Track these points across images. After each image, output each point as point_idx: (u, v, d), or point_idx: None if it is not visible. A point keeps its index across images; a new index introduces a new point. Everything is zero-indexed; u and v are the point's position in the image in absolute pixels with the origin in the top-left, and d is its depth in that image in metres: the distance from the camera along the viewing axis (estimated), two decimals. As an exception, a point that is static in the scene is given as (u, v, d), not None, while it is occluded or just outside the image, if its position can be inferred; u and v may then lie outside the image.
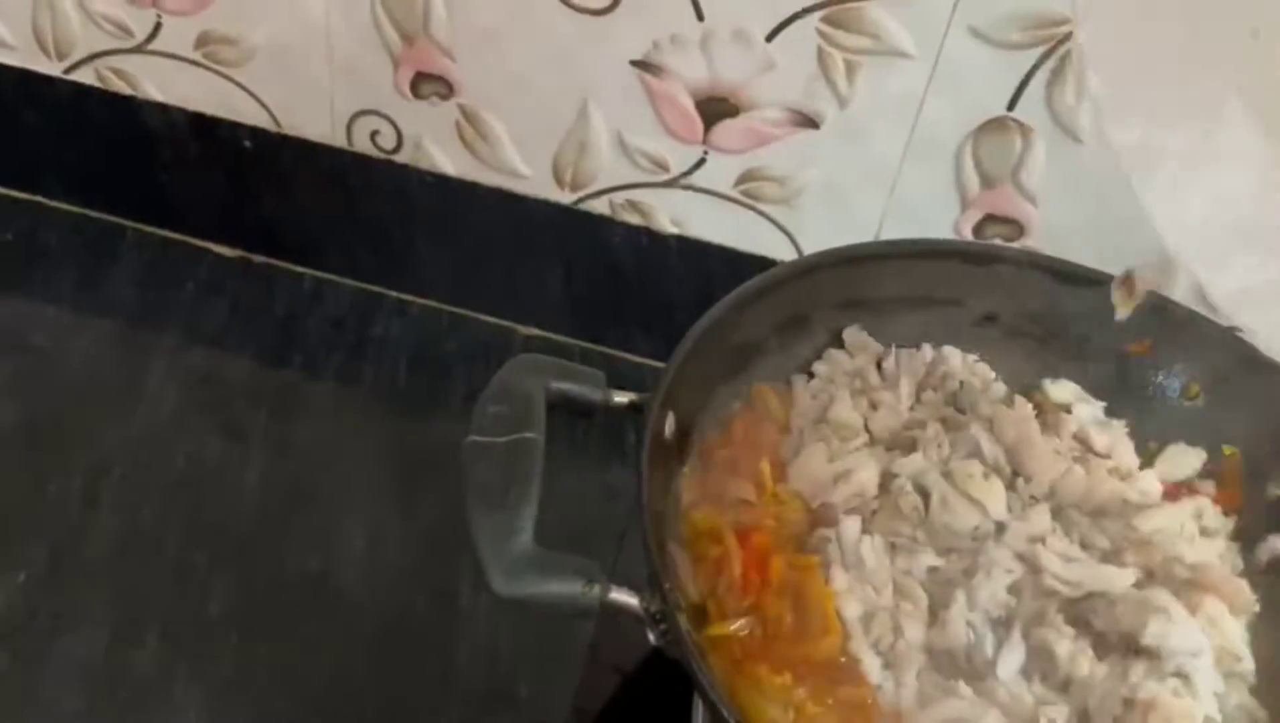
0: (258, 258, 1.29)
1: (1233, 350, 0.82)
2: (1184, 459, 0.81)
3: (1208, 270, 0.61)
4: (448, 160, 1.17)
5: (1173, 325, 0.84)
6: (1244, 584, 0.72)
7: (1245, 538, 0.79)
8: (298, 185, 1.23)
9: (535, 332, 1.27)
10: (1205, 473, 0.82)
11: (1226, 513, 0.80)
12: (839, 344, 0.87)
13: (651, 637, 0.62)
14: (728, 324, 0.78)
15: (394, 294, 1.28)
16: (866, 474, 0.76)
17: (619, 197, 1.14)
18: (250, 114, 1.19)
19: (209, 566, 0.95)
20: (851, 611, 0.70)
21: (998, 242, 0.98)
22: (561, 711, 0.85)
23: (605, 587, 0.60)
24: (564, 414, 0.70)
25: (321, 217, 1.25)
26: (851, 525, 0.74)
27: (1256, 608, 0.72)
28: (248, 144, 1.21)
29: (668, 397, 0.72)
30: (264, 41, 1.12)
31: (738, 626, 0.69)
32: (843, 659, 0.69)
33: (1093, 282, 0.85)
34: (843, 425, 0.79)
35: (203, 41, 1.13)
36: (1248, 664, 0.69)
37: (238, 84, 1.15)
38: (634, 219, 1.15)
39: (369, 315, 1.26)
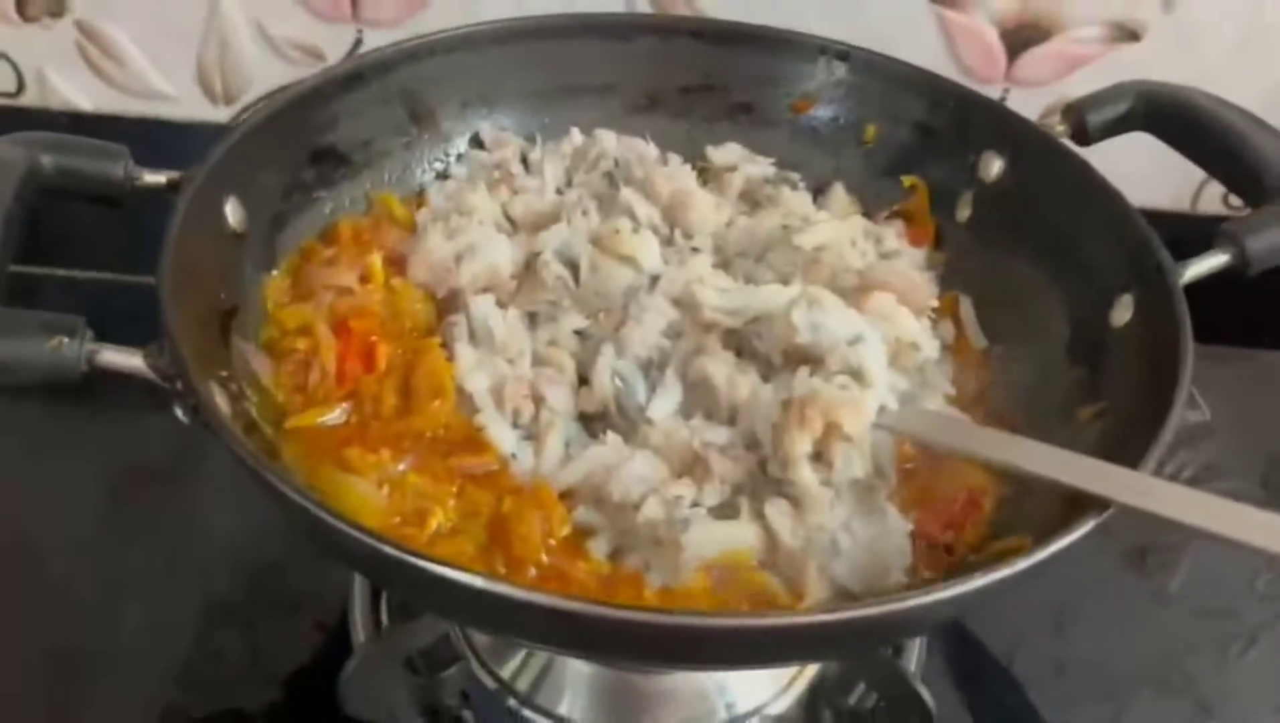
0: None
1: (910, 85, 0.75)
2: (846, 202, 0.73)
3: None
4: (80, 94, 1.02)
5: (852, 74, 0.76)
6: (918, 278, 0.62)
7: (946, 270, 0.71)
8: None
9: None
10: (892, 214, 0.73)
11: (918, 244, 0.71)
12: (480, 146, 0.76)
13: (180, 413, 0.48)
14: (311, 114, 0.67)
15: (58, 272, 1.12)
16: (496, 252, 0.65)
17: (280, 102, 1.02)
18: None
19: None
20: (477, 383, 0.58)
21: (640, 11, 0.88)
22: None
23: (86, 342, 0.47)
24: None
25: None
26: (482, 302, 0.62)
27: (934, 302, 0.63)
28: None
29: (223, 177, 0.60)
30: None
31: (329, 416, 0.56)
32: (472, 433, 0.56)
33: (745, 40, 0.77)
34: (469, 208, 0.67)
35: None
36: (930, 354, 0.60)
37: None
38: (303, 125, 1.03)
39: (30, 299, 1.08)
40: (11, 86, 1.02)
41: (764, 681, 0.65)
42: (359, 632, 0.62)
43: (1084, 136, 0.69)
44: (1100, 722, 0.71)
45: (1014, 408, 0.63)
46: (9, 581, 0.76)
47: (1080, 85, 0.94)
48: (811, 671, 0.66)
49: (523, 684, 0.65)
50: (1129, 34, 0.92)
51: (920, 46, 0.92)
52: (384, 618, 0.63)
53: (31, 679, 0.69)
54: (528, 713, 0.63)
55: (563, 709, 0.63)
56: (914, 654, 0.67)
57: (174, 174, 0.59)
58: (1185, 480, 0.84)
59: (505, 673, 0.65)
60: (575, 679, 0.65)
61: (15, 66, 1.01)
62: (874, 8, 0.91)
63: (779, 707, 0.64)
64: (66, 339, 0.46)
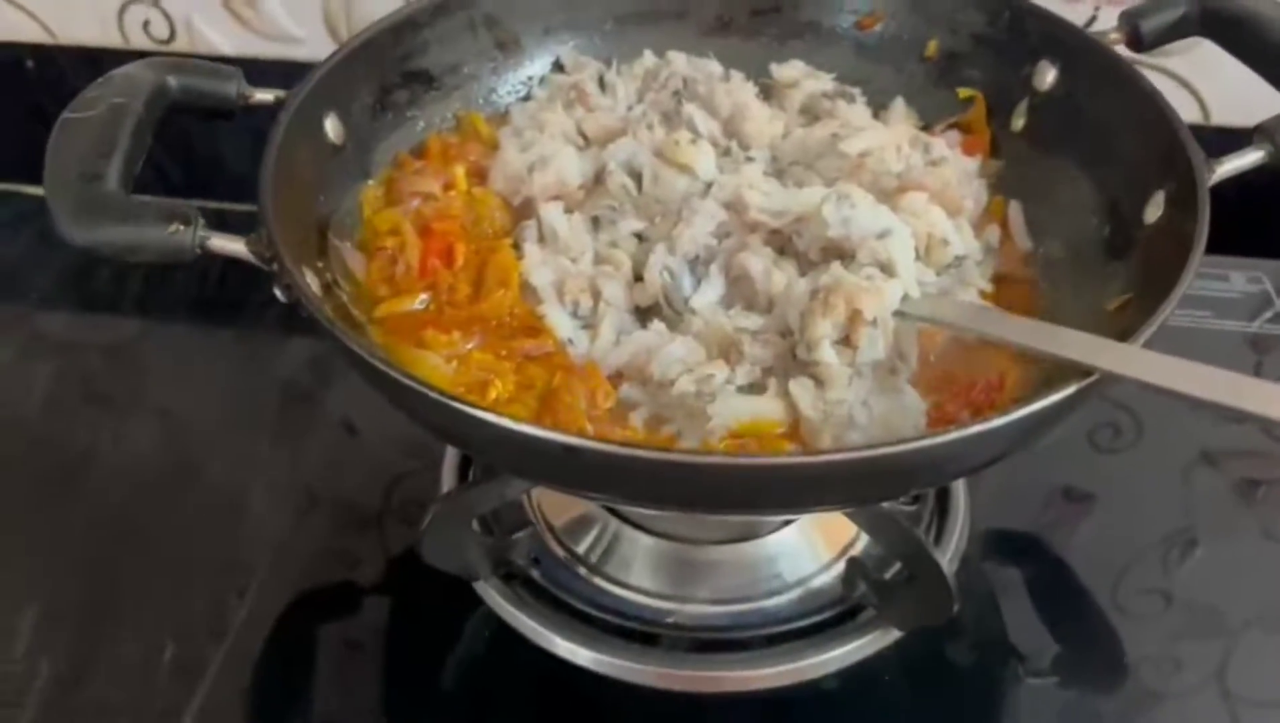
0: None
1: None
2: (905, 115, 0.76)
3: None
4: (222, 39, 1.13)
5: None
6: (953, 179, 0.65)
7: (1001, 178, 0.73)
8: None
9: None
10: (950, 126, 0.76)
11: (973, 154, 0.74)
12: (560, 70, 0.82)
13: (278, 292, 0.57)
14: (403, 40, 0.74)
15: (210, 204, 1.23)
16: (566, 163, 0.71)
17: (399, 42, 1.10)
18: (23, 28, 1.16)
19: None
20: (542, 277, 0.65)
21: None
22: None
23: (199, 229, 0.55)
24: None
25: (120, 131, 1.21)
26: (551, 208, 0.69)
27: (971, 203, 0.66)
28: (30, 64, 1.18)
29: (323, 96, 0.68)
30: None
31: (411, 304, 0.64)
32: (534, 321, 0.63)
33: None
34: (543, 123, 0.74)
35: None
36: (958, 250, 0.63)
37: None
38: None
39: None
40: (165, 34, 1.13)
41: (807, 557, 0.70)
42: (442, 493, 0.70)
43: (1138, 43, 0.70)
44: (1207, 660, 0.69)
45: (1051, 304, 0.66)
46: (164, 493, 0.82)
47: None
48: (855, 550, 0.71)
49: (591, 557, 0.72)
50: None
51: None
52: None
53: (182, 582, 0.75)
54: (596, 580, 0.70)
55: (625, 577, 0.70)
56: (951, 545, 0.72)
57: (281, 93, 0.67)
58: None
59: (576, 546, 0.72)
60: (638, 553, 0.71)
61: (168, 16, 1.11)
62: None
63: (821, 580, 0.70)
64: (182, 226, 0.55)
